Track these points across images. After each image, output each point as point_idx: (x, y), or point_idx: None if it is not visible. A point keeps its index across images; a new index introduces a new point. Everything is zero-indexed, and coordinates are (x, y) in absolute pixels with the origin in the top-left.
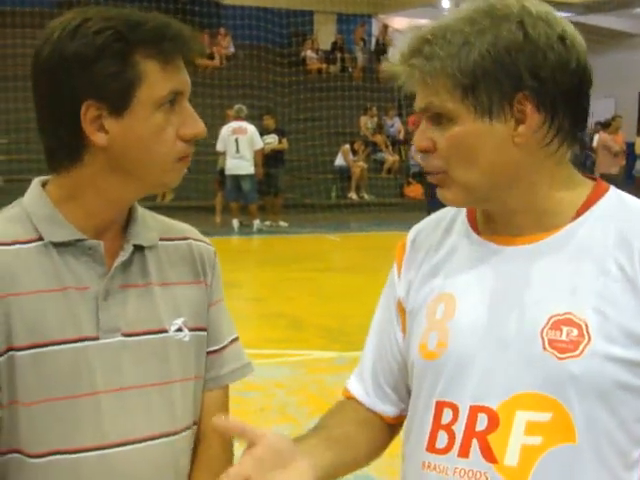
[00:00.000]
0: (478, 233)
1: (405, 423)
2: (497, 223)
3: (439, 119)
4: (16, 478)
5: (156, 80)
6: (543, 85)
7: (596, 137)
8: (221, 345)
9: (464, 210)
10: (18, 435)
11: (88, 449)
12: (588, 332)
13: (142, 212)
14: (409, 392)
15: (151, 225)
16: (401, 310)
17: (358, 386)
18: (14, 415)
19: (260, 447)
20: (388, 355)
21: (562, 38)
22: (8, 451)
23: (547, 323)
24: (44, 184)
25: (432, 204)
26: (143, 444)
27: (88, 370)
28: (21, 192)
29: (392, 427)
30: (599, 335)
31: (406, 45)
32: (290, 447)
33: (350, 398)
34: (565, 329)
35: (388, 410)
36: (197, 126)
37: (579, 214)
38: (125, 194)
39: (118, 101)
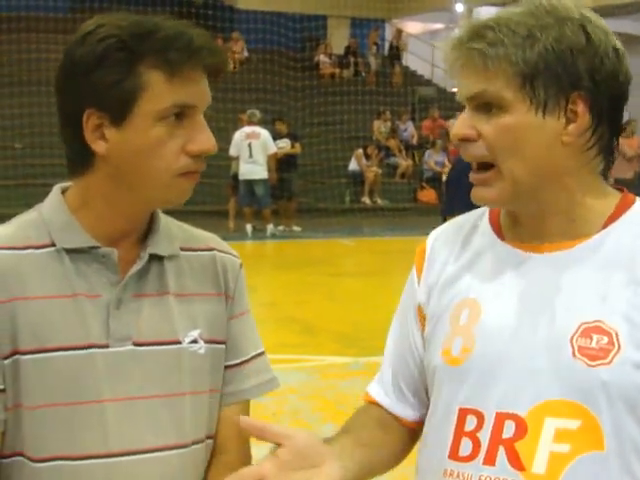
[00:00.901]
0: (502, 238)
1: (424, 429)
2: (525, 229)
3: (488, 108)
4: None
5: (159, 91)
6: (597, 89)
7: None
8: (243, 359)
9: (486, 216)
10: (22, 439)
11: (92, 457)
12: (618, 340)
13: (166, 221)
14: (429, 397)
15: (174, 235)
16: (421, 316)
17: (379, 390)
18: (18, 418)
19: (285, 448)
20: (408, 360)
21: (615, 49)
22: (12, 454)
23: (577, 330)
24: (64, 191)
25: (446, 210)
26: (148, 455)
27: (94, 377)
28: (35, 197)
29: (413, 432)
30: (629, 343)
31: (465, 30)
32: (319, 447)
33: (371, 402)
34: (595, 337)
35: (409, 414)
36: (205, 142)
37: (608, 223)
38: (131, 206)
39: (118, 111)
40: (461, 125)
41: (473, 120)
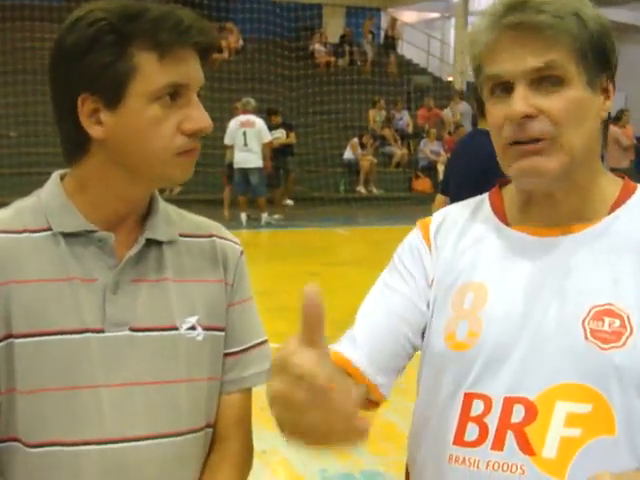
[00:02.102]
0: (507, 225)
1: (418, 415)
2: (534, 213)
3: (546, 83)
4: (15, 467)
5: (151, 72)
6: (615, 70)
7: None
8: (244, 347)
9: (487, 203)
10: (16, 423)
11: (87, 442)
12: (630, 324)
13: (165, 207)
14: (397, 375)
15: (173, 221)
16: (435, 289)
17: (355, 354)
18: (12, 403)
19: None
20: (400, 331)
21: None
22: (6, 439)
23: (589, 313)
24: (63, 177)
25: (443, 188)
26: (144, 442)
27: (89, 362)
28: (30, 185)
29: (372, 404)
30: None
31: (507, 5)
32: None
33: (344, 365)
34: (607, 320)
35: (384, 383)
36: (201, 120)
37: (614, 208)
38: (130, 188)
39: (112, 94)
40: (521, 103)
41: (531, 97)
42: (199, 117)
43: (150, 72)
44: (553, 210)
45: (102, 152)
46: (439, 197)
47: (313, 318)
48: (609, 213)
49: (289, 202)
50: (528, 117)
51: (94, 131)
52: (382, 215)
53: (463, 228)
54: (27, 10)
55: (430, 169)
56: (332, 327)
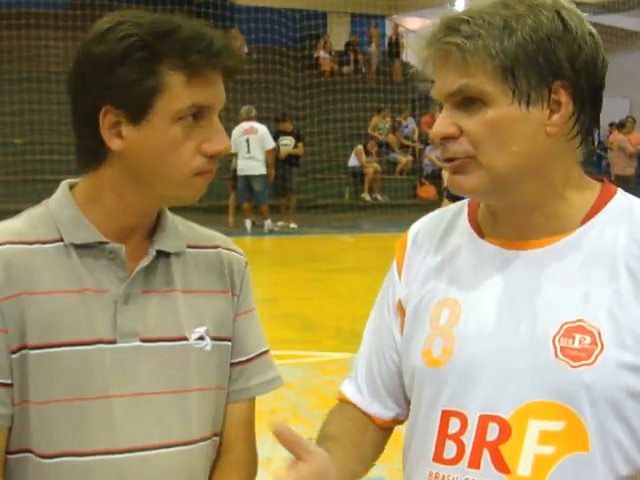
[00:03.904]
0: (482, 236)
1: (405, 431)
2: (503, 225)
3: (468, 104)
4: (28, 478)
5: (178, 92)
6: (578, 76)
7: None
8: (247, 357)
9: (464, 212)
10: (29, 434)
11: (100, 452)
12: (601, 340)
13: (172, 219)
14: (406, 396)
15: (180, 232)
16: (401, 311)
17: (354, 389)
18: (25, 414)
19: (307, 465)
20: (386, 357)
21: (592, 35)
22: (19, 450)
23: (559, 330)
24: (72, 186)
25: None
26: (156, 451)
27: (101, 373)
28: (35, 193)
29: (388, 430)
30: (612, 343)
31: (439, 26)
32: (330, 470)
33: (344, 401)
34: (578, 337)
35: (384, 414)
36: (221, 142)
37: (588, 218)
38: (143, 202)
39: (136, 110)
40: (441, 124)
41: (454, 117)
42: (220, 139)
43: (177, 92)
44: (519, 224)
45: (119, 164)
46: (445, 202)
47: (289, 442)
48: (582, 224)
49: (293, 226)
50: (448, 138)
51: (114, 143)
52: (387, 222)
53: (441, 238)
54: (32, 17)
55: (435, 176)
56: (336, 334)
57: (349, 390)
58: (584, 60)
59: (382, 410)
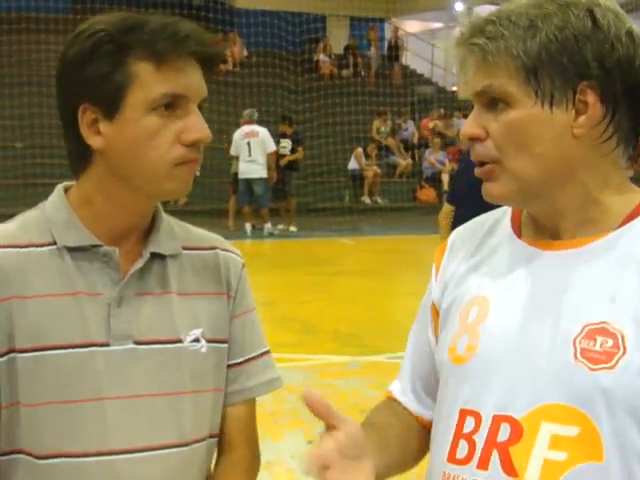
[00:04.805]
0: (519, 236)
1: (431, 432)
2: (541, 226)
3: (495, 104)
4: (21, 479)
5: (149, 82)
6: (608, 76)
7: None
8: (246, 357)
9: (509, 213)
10: (21, 436)
11: (93, 454)
12: (624, 343)
13: (168, 220)
14: None
15: (176, 234)
16: (435, 313)
17: (399, 387)
18: (15, 415)
19: (342, 433)
20: (424, 358)
21: (630, 33)
22: (10, 452)
23: (581, 331)
24: (67, 189)
25: (450, 196)
26: (149, 453)
27: (94, 375)
28: (36, 197)
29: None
30: (635, 347)
31: (467, 26)
32: (363, 439)
33: (391, 399)
34: (600, 339)
35: (426, 414)
36: (199, 130)
37: (626, 221)
38: (132, 201)
39: (109, 103)
40: (470, 124)
41: (481, 119)
42: (197, 127)
43: (147, 82)
44: (554, 226)
45: (103, 163)
46: (446, 206)
47: (321, 410)
48: (620, 226)
49: (293, 229)
50: (475, 139)
51: (94, 141)
52: (387, 225)
53: (482, 240)
54: (32, 22)
55: (434, 179)
56: (336, 337)
57: (396, 388)
58: (617, 59)
59: (424, 410)
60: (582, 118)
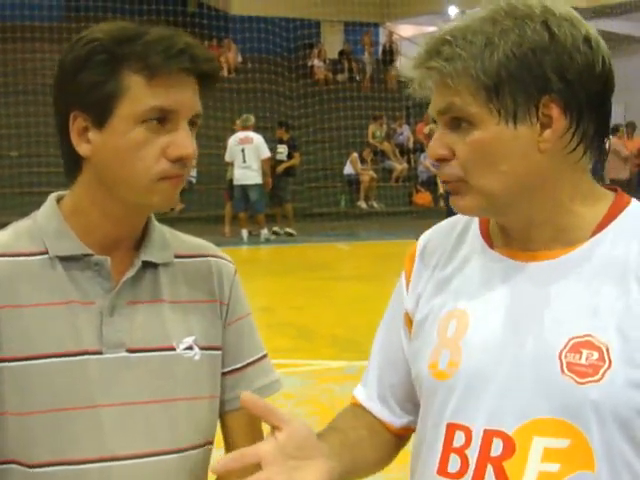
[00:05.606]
0: (491, 246)
1: (414, 441)
2: (512, 237)
3: (458, 123)
4: None
5: (139, 95)
6: (570, 88)
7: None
8: (245, 362)
9: (476, 221)
10: (11, 445)
11: (88, 461)
12: (609, 356)
13: (160, 229)
14: (416, 405)
15: (168, 242)
16: (409, 322)
17: (365, 394)
18: (2, 426)
19: (284, 433)
20: (398, 367)
21: (587, 39)
22: (3, 461)
23: (566, 345)
24: (60, 199)
25: (451, 212)
26: (144, 459)
27: (87, 383)
28: (31, 205)
29: (399, 437)
30: (621, 359)
31: (423, 48)
32: (314, 441)
33: (356, 405)
34: (585, 352)
35: (394, 421)
36: (184, 147)
37: (599, 229)
38: (120, 211)
39: (99, 113)
40: (436, 145)
41: (447, 138)
42: (184, 144)
43: (137, 95)
44: (527, 237)
45: (91, 172)
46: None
47: (260, 412)
48: (592, 235)
49: (290, 230)
50: (441, 160)
51: (82, 149)
52: (383, 230)
53: (452, 250)
54: (27, 30)
55: (430, 183)
56: (333, 343)
57: (361, 394)
58: (577, 69)
59: (392, 417)
60: (547, 132)
